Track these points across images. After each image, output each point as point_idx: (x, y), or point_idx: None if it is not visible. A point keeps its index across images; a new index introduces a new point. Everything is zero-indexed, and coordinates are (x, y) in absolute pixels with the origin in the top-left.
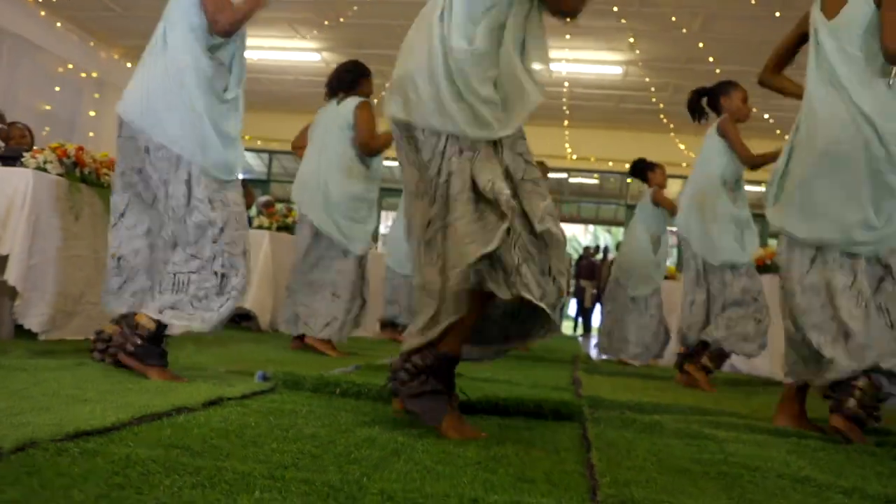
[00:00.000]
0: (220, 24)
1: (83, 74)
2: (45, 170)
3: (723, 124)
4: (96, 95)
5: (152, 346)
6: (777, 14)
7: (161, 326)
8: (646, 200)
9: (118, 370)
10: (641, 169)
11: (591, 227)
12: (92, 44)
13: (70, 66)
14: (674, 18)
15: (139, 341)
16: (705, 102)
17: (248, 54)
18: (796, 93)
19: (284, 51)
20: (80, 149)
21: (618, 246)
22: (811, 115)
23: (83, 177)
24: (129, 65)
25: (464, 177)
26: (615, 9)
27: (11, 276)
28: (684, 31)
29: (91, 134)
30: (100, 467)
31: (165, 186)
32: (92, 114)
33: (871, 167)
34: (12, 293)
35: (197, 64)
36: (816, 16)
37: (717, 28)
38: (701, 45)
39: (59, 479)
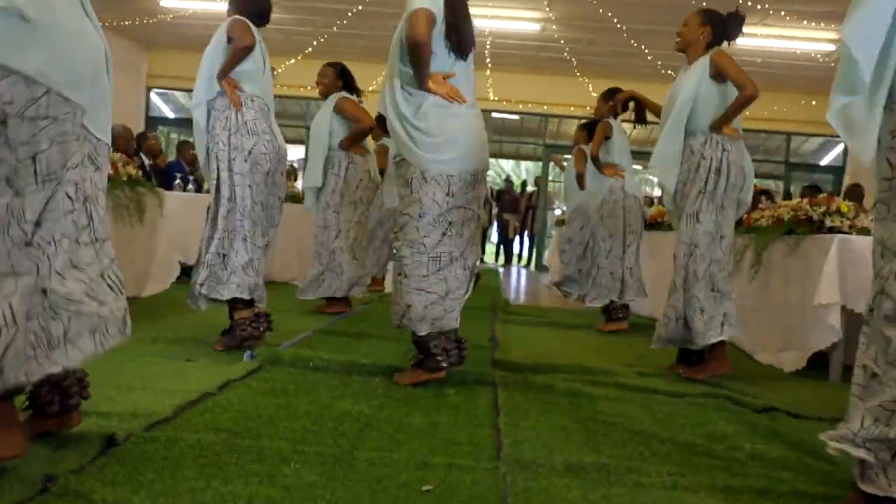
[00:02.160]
0: None
1: None
2: None
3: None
4: None
5: None
6: None
7: None
8: None
9: (129, 359)
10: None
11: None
12: None
13: None
14: None
15: None
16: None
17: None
18: None
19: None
20: None
21: (536, 180)
22: None
23: None
24: None
25: None
26: None
27: None
28: None
29: None
30: (186, 452)
31: None
32: None
33: None
34: None
35: None
36: None
37: None
38: (609, 11)
39: (165, 462)
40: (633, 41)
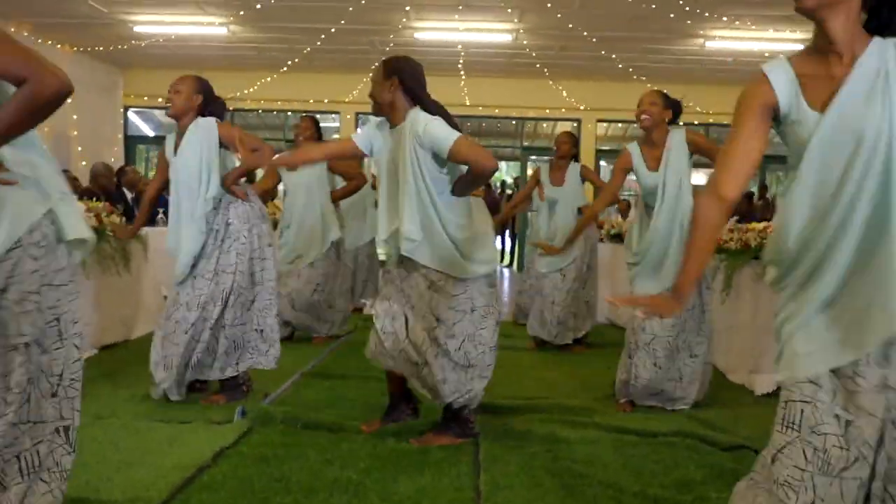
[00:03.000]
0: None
1: None
2: None
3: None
4: None
5: None
6: None
7: None
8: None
9: (124, 425)
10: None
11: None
12: None
13: None
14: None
15: None
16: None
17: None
18: None
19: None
20: None
21: (516, 181)
22: None
23: None
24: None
25: None
26: None
27: None
28: (565, 10)
29: None
30: None
31: None
32: None
33: None
34: None
35: None
36: None
37: (594, 3)
38: (580, 22)
39: None
40: (602, 51)
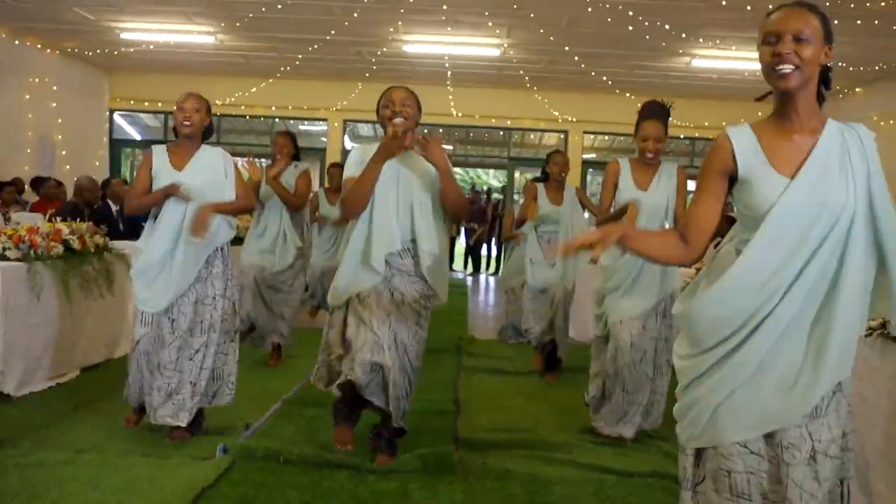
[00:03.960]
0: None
1: None
2: (5, 256)
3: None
4: None
5: None
6: (630, 13)
7: None
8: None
9: (105, 462)
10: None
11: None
12: None
13: None
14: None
15: None
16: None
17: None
18: None
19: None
20: (32, 230)
21: (502, 189)
22: None
23: (37, 256)
24: (16, 42)
25: None
26: (486, 13)
27: None
28: (552, 28)
29: None
30: None
31: None
32: None
33: None
34: None
35: None
36: None
37: (582, 23)
38: (567, 40)
39: None
40: (589, 67)
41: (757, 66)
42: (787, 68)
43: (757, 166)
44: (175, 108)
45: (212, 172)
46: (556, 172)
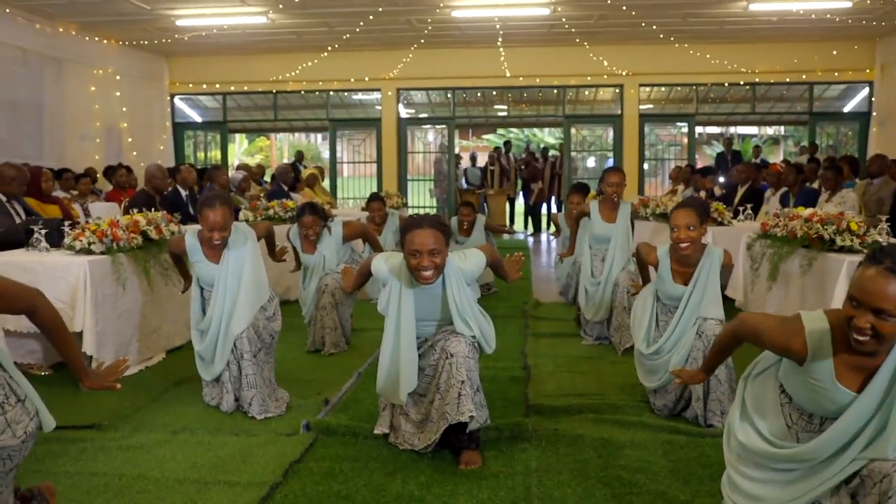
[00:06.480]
0: None
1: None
2: (90, 251)
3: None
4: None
5: None
6: None
7: None
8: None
9: (199, 441)
10: None
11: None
12: (38, 25)
13: (27, 49)
14: None
15: None
16: None
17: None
18: None
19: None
20: (113, 224)
21: (560, 147)
22: None
23: (119, 248)
24: (85, 38)
25: None
26: None
27: (89, 347)
28: None
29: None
30: None
31: None
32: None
33: None
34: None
35: None
36: None
37: None
38: None
39: None
40: (641, 18)
41: (817, 4)
42: (863, 338)
43: (823, 368)
44: (201, 218)
45: (240, 261)
46: (609, 193)
